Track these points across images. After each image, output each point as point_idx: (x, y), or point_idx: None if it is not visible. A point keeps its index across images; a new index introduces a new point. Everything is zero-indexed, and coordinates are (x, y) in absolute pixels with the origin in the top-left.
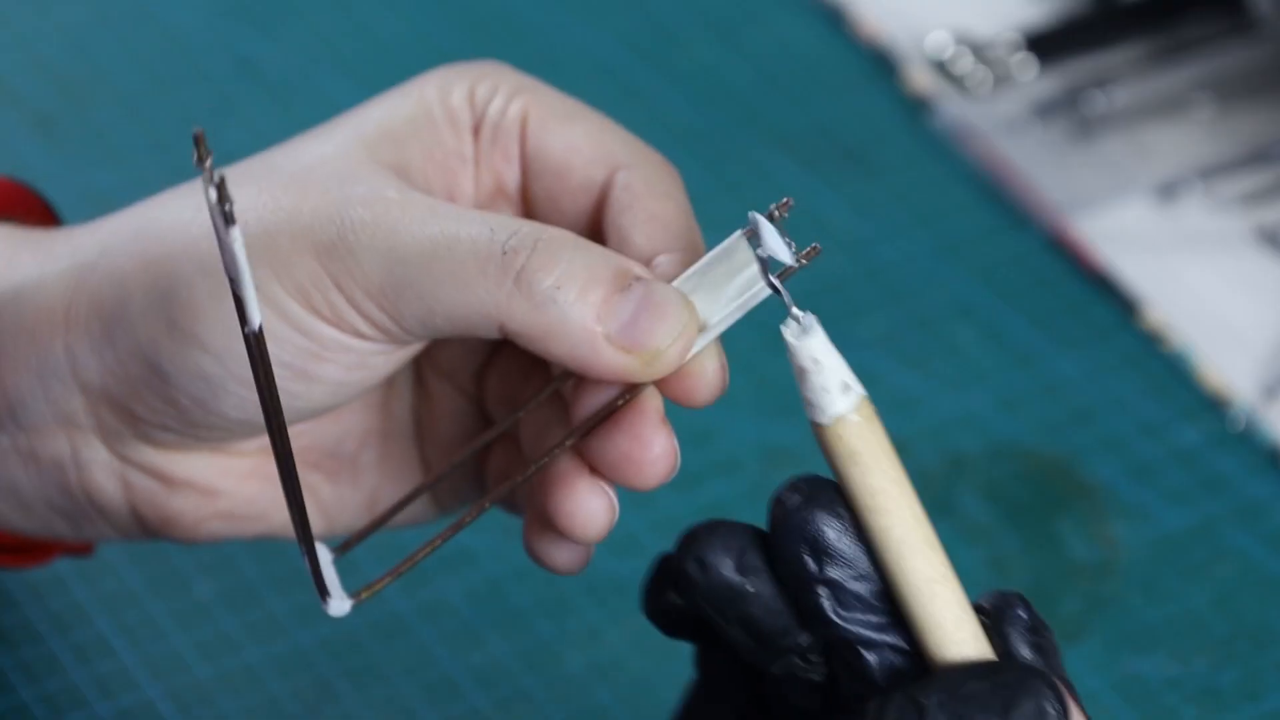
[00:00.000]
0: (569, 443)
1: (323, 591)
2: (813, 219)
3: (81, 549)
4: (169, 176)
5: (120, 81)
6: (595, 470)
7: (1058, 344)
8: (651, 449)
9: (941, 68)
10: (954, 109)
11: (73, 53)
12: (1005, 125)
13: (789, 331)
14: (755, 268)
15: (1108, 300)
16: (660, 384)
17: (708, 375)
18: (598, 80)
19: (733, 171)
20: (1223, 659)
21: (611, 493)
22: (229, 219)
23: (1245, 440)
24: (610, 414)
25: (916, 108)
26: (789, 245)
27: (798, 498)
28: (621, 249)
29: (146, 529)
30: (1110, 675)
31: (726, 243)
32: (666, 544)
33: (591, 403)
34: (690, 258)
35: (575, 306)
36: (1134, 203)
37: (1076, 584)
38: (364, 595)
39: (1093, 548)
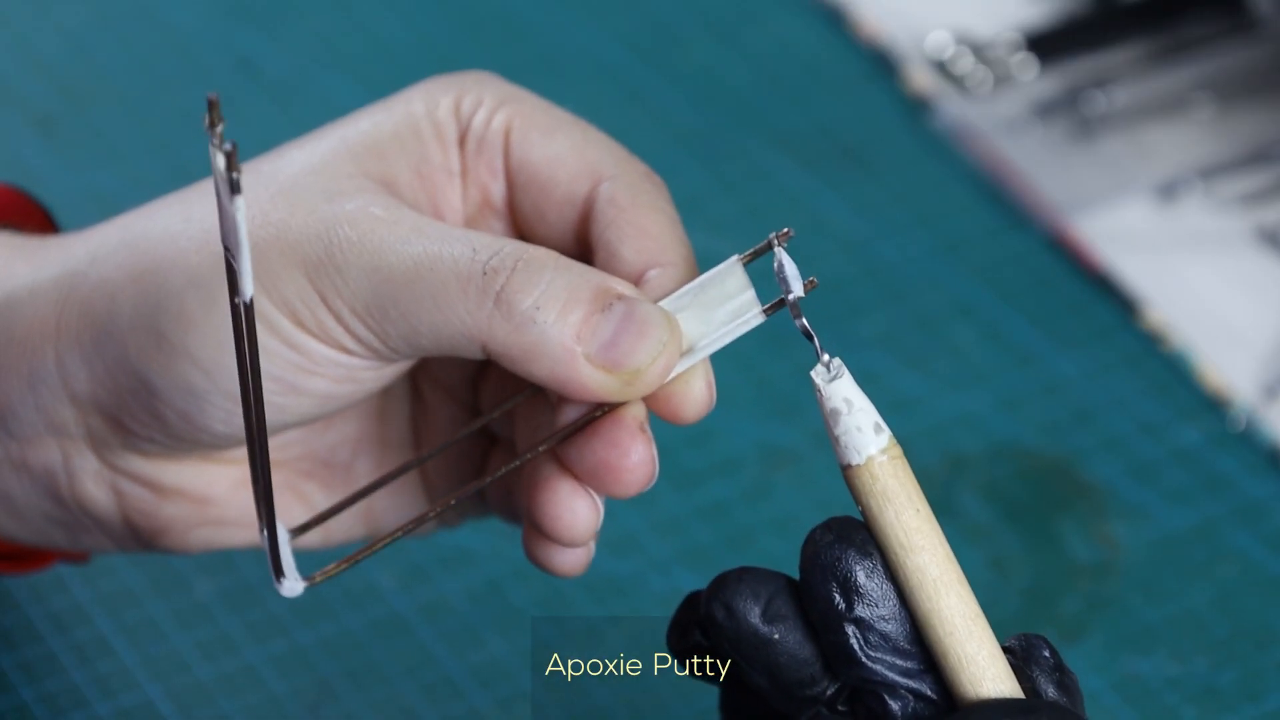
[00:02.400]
0: (542, 449)
1: (278, 571)
2: (813, 219)
3: (78, 556)
4: (169, 176)
5: (120, 81)
6: (576, 477)
7: (1058, 344)
8: (629, 457)
9: (941, 68)
10: (954, 109)
11: (73, 53)
12: (1005, 125)
13: (819, 375)
14: (749, 294)
15: (1108, 300)
16: (647, 400)
17: (693, 394)
18: (598, 81)
19: (733, 171)
20: (1223, 659)
21: (595, 495)
22: (234, 187)
23: (1245, 440)
24: (589, 422)
25: (916, 108)
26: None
27: (830, 536)
28: (611, 264)
29: (140, 539)
30: (1110, 675)
31: (723, 265)
32: (666, 544)
33: (573, 409)
34: (682, 269)
35: (554, 327)
36: (1134, 203)
37: (1076, 584)
38: (317, 578)
39: (1093, 548)
